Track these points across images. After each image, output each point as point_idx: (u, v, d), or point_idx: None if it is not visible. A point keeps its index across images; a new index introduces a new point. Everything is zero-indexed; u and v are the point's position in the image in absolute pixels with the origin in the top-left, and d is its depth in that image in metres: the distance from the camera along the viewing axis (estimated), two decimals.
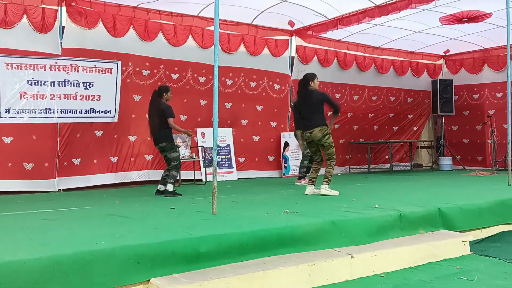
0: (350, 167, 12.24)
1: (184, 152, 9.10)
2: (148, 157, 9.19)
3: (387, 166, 12.41)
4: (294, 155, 10.72)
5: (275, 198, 6.31)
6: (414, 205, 5.09)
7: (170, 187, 6.85)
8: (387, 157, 12.60)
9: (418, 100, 13.47)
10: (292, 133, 10.01)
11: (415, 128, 13.51)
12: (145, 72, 9.20)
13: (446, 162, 12.72)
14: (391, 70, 12.77)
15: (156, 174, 9.00)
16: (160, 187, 7.02)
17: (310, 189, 6.65)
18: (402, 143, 13.03)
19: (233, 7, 9.11)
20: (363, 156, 12.41)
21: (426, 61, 13.35)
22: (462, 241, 4.57)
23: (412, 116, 13.42)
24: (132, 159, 8.99)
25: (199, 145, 9.63)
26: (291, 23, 10.53)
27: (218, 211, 4.67)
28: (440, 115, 13.27)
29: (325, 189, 6.40)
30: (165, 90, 7.07)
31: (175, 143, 7.14)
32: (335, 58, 11.74)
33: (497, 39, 11.47)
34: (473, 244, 4.81)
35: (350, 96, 12.26)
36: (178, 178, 7.14)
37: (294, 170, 10.69)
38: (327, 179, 6.46)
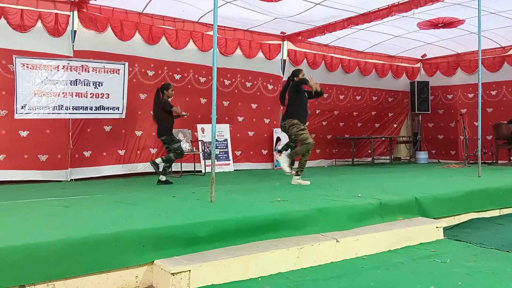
0: (336, 160, 12.23)
1: (185, 145, 9.08)
2: (153, 150, 9.14)
3: (369, 159, 12.43)
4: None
5: (268, 187, 6.31)
6: (393, 194, 5.09)
7: (162, 177, 6.87)
8: (369, 151, 12.60)
9: (398, 100, 13.45)
10: None
11: (395, 125, 13.45)
12: (150, 73, 9.14)
13: (422, 156, 12.70)
14: (373, 72, 12.72)
15: (160, 166, 8.94)
16: (162, 177, 7.05)
17: (295, 179, 6.64)
18: (383, 138, 12.97)
19: (230, 16, 9.12)
20: (348, 150, 12.37)
21: (405, 64, 13.31)
22: (436, 227, 4.60)
23: (392, 114, 13.37)
24: (138, 152, 8.94)
25: (199, 139, 9.60)
26: (282, 32, 10.54)
27: (216, 199, 4.66)
28: (417, 113, 13.21)
29: (295, 181, 6.47)
30: (166, 88, 7.05)
31: (177, 137, 7.12)
32: (323, 61, 11.70)
33: (469, 44, 11.47)
34: (446, 229, 4.81)
35: (336, 96, 12.20)
36: (169, 170, 7.13)
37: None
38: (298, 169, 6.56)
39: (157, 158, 7.07)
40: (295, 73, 6.78)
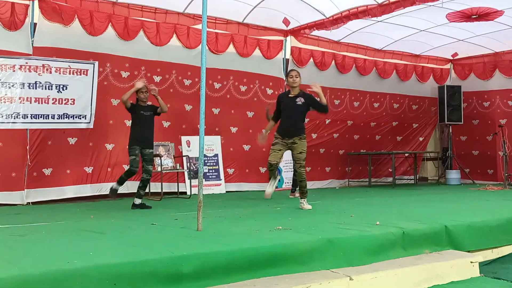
0: (350, 180, 12.31)
1: (167, 162, 9.10)
2: (126, 167, 9.09)
3: (390, 179, 12.47)
4: (288, 166, 10.66)
5: (267, 213, 6.33)
6: (418, 222, 5.10)
7: (137, 200, 7.04)
8: (390, 170, 12.63)
9: (424, 108, 13.57)
10: None
11: (420, 139, 13.61)
12: (125, 74, 9.20)
13: (453, 175, 12.75)
14: (394, 74, 12.87)
15: (136, 186, 8.91)
16: (136, 201, 7.12)
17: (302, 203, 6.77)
18: (406, 154, 13.09)
19: (223, 3, 9.16)
20: (364, 168, 12.48)
21: (432, 65, 13.45)
22: (471, 262, 4.56)
23: (417, 125, 13.56)
24: (109, 169, 8.97)
25: (183, 154, 9.63)
26: (286, 22, 10.58)
27: (204, 227, 4.66)
28: (447, 124, 13.32)
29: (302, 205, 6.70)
30: (137, 91, 7.14)
31: (131, 146, 7.12)
32: (333, 61, 11.83)
33: (509, 42, 11.58)
34: (483, 265, 4.78)
35: (350, 103, 12.38)
36: (117, 188, 7.17)
37: (287, 183, 10.76)
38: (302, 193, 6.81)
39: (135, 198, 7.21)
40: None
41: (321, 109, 6.82)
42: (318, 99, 6.75)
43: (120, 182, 7.13)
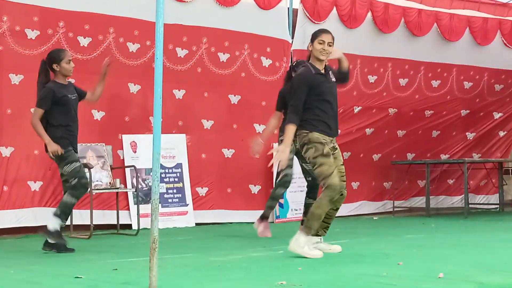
0: (394, 204, 12.21)
1: (100, 176, 9.05)
2: (35, 185, 9.11)
3: (459, 200, 12.41)
4: (296, 183, 10.53)
5: (262, 260, 6.50)
6: (504, 275, 5.23)
7: (53, 224, 7.01)
8: (461, 187, 12.65)
9: None
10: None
11: (501, 133, 13.72)
12: (32, 34, 9.21)
13: None
14: (466, 34, 12.98)
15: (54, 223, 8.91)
16: (51, 237, 7.12)
17: (303, 241, 6.64)
18: (484, 162, 13.12)
19: None
20: (415, 184, 12.50)
21: None
22: None
23: (501, 115, 13.73)
24: (5, 188, 8.94)
25: (127, 164, 9.81)
26: None
27: (160, 284, 4.61)
28: None
29: (295, 243, 6.54)
30: (55, 59, 7.27)
31: (68, 151, 7.24)
32: (369, 12, 11.95)
33: None
34: None
35: (393, 80, 12.49)
36: (58, 228, 7.19)
37: (295, 210, 10.80)
38: (305, 226, 6.69)
39: (49, 219, 7.18)
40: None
41: (343, 78, 7.17)
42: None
43: (64, 212, 7.17)
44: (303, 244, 6.54)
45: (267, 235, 8.50)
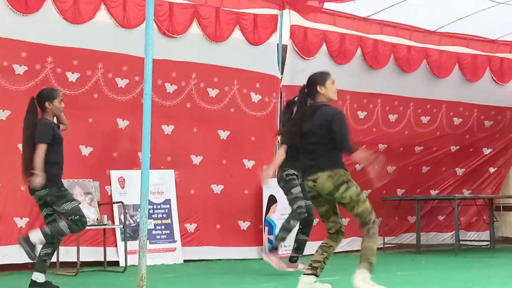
0: (385, 240, 12.23)
1: (87, 212, 8.89)
2: (21, 222, 9.14)
3: (449, 237, 12.44)
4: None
5: None
6: None
7: (36, 237, 6.99)
8: (452, 223, 12.75)
9: (504, 125, 13.94)
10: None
11: (491, 170, 13.67)
12: (20, 69, 9.24)
13: None
14: (455, 70, 13.11)
15: (36, 248, 8.83)
16: (36, 276, 7.06)
17: (308, 283, 6.53)
18: (474, 199, 13.02)
19: None
20: (405, 220, 12.54)
21: None
22: None
23: (490, 150, 13.66)
24: None
25: (114, 200, 9.81)
26: None
27: None
28: None
29: (363, 280, 6.31)
30: (48, 97, 7.25)
31: (65, 190, 7.24)
32: (358, 49, 11.98)
33: None
34: None
35: (383, 115, 12.60)
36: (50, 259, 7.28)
37: (286, 246, 10.58)
38: (365, 262, 6.41)
39: (34, 231, 7.20)
40: (317, 79, 6.76)
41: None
42: None
43: (52, 237, 7.08)
44: (369, 280, 6.40)
45: (283, 267, 8.47)
